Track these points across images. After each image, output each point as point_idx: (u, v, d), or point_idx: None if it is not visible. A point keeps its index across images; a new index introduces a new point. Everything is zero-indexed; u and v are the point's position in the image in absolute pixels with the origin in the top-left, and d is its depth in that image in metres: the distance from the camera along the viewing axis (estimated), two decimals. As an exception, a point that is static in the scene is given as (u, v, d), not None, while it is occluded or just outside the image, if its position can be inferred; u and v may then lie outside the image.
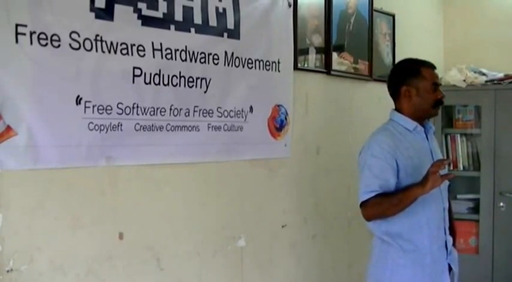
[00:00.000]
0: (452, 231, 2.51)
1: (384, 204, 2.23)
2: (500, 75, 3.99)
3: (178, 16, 2.30)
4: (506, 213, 3.88)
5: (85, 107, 2.00)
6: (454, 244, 2.50)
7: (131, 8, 2.14)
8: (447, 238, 2.39)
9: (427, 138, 2.41)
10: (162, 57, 2.24)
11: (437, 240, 2.35)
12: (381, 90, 3.62)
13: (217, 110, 2.48)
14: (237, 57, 2.55)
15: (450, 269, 2.41)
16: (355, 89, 3.43)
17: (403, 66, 2.46)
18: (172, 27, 2.28)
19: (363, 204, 2.27)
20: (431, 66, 2.40)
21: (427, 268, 2.31)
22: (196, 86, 2.39)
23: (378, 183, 2.24)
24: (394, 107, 2.45)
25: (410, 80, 2.35)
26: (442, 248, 2.36)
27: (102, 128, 2.06)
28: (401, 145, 2.31)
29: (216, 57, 2.46)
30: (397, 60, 3.73)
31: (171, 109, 2.29)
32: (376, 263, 2.40)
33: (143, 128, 2.20)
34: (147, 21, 2.19)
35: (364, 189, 2.26)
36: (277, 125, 2.81)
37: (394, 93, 2.42)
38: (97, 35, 2.03)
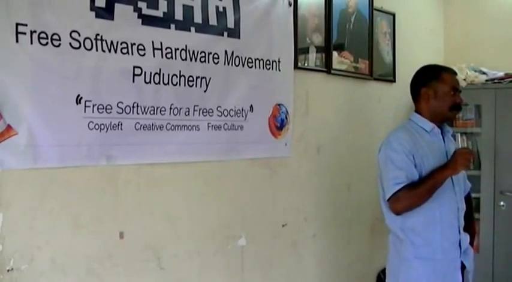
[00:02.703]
0: (471, 231, 2.56)
1: (415, 193, 2.27)
2: (501, 74, 3.99)
3: (179, 15, 2.30)
4: (506, 212, 3.87)
5: (85, 106, 2.01)
6: (471, 243, 2.53)
7: (131, 7, 2.14)
8: (461, 237, 2.41)
9: (444, 140, 2.47)
10: (162, 57, 2.24)
11: (450, 238, 2.39)
12: (381, 89, 3.66)
13: (217, 109, 2.48)
14: (237, 56, 2.55)
15: (464, 267, 2.44)
16: (355, 88, 3.43)
17: (425, 69, 2.53)
18: (172, 26, 2.28)
19: (392, 198, 2.31)
20: (452, 72, 2.49)
21: (438, 263, 2.36)
22: (196, 85, 2.38)
23: (404, 174, 2.29)
24: (414, 109, 2.52)
25: (429, 83, 2.44)
26: (455, 245, 2.40)
27: (102, 127, 2.06)
28: (418, 143, 2.38)
29: (216, 56, 2.46)
30: (397, 59, 3.76)
31: (171, 108, 2.29)
32: (392, 259, 2.48)
33: (143, 127, 2.20)
34: (147, 20, 2.19)
35: (392, 182, 2.30)
36: (278, 124, 2.81)
37: (414, 95, 2.51)
38: (97, 34, 2.03)
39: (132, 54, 2.14)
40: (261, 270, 2.80)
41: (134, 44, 2.15)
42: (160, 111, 2.26)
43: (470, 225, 2.58)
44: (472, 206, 2.70)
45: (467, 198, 2.65)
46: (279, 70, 2.79)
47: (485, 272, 3.90)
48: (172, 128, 2.31)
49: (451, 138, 2.57)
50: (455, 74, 2.50)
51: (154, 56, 2.21)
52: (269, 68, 2.73)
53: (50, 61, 1.91)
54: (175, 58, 2.29)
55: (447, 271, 2.38)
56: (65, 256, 2.01)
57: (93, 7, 2.02)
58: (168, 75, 2.27)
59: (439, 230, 2.35)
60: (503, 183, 3.90)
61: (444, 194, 2.34)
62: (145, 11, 2.18)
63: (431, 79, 2.44)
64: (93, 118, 2.03)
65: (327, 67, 3.15)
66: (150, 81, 2.21)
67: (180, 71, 2.31)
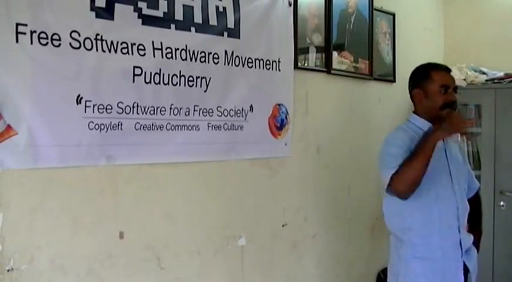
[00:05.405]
0: (476, 232, 2.55)
1: (409, 165, 2.21)
2: (501, 74, 3.99)
3: (179, 15, 2.30)
4: (506, 212, 3.87)
5: (85, 106, 2.01)
6: (475, 244, 2.51)
7: (131, 7, 2.14)
8: (461, 236, 2.40)
9: (443, 140, 2.44)
10: (162, 57, 2.24)
11: (449, 237, 2.37)
12: (381, 89, 3.66)
13: (217, 109, 2.48)
14: (237, 56, 2.55)
15: (468, 268, 2.42)
16: (355, 88, 3.43)
17: (416, 70, 2.52)
18: (172, 26, 2.28)
19: (392, 182, 2.24)
20: (443, 69, 2.45)
21: (438, 263, 2.35)
22: (196, 85, 2.39)
23: (399, 160, 2.25)
24: (413, 110, 2.52)
25: (420, 83, 2.43)
26: (455, 245, 2.38)
27: (102, 127, 2.06)
28: (415, 142, 2.35)
29: (216, 56, 2.46)
30: (397, 59, 3.76)
31: (171, 108, 2.29)
32: (392, 259, 2.49)
33: (143, 127, 2.20)
34: (147, 20, 2.19)
35: (388, 169, 2.25)
36: (278, 124, 2.81)
37: (411, 97, 2.51)
38: (97, 34, 2.03)
39: (132, 54, 2.14)
40: (261, 270, 2.80)
41: (134, 44, 2.15)
42: (160, 111, 2.26)
43: (476, 226, 2.57)
44: (480, 206, 2.67)
45: (476, 198, 2.64)
46: (279, 70, 2.79)
47: (485, 272, 3.89)
48: (172, 128, 2.31)
49: (455, 137, 2.56)
50: (449, 70, 2.46)
51: (154, 56, 2.22)
52: (269, 68, 2.73)
53: (50, 61, 1.91)
54: (176, 58, 2.29)
55: (447, 271, 2.37)
56: (65, 256, 2.01)
57: (93, 7, 2.02)
58: (168, 75, 2.27)
59: (436, 229, 2.35)
60: (503, 183, 3.90)
61: (442, 192, 2.34)
62: (146, 11, 2.18)
63: (421, 79, 2.43)
64: (93, 118, 2.03)
65: (327, 67, 3.15)
66: (150, 81, 2.21)
67: (180, 71, 2.31)
